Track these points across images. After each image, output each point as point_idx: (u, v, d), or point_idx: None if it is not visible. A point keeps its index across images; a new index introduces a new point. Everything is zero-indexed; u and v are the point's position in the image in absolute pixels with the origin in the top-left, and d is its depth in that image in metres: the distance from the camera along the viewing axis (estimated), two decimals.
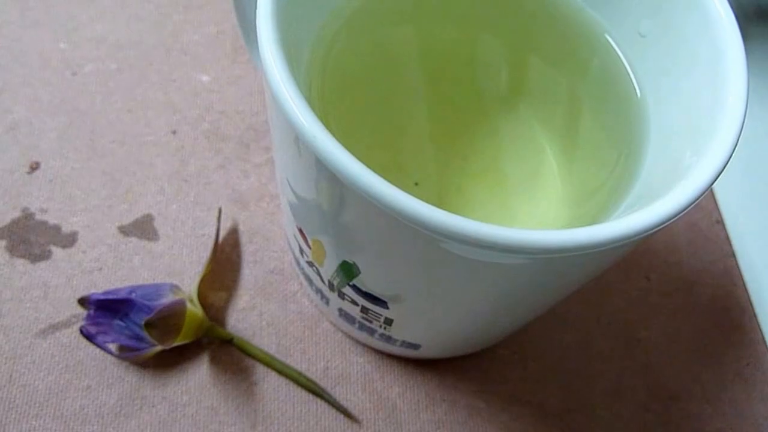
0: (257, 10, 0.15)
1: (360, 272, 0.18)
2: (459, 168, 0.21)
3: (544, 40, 0.22)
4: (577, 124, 0.21)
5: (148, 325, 0.22)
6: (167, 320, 0.22)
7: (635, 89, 0.20)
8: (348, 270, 0.18)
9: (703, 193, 0.14)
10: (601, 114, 0.21)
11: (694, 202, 0.14)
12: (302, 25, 0.17)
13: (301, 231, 0.19)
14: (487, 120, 0.22)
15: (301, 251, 0.21)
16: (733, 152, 0.15)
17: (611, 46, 0.20)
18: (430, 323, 0.21)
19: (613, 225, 0.14)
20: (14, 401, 0.23)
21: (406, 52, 0.22)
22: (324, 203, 0.16)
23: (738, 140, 0.15)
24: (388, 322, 0.20)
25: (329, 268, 0.19)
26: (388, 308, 0.19)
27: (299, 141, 0.14)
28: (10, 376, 0.23)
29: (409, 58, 0.22)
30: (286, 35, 0.15)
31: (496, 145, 0.22)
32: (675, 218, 0.14)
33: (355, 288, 0.19)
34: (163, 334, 0.22)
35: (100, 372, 0.24)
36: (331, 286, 0.20)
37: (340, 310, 0.22)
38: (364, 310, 0.20)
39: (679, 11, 0.18)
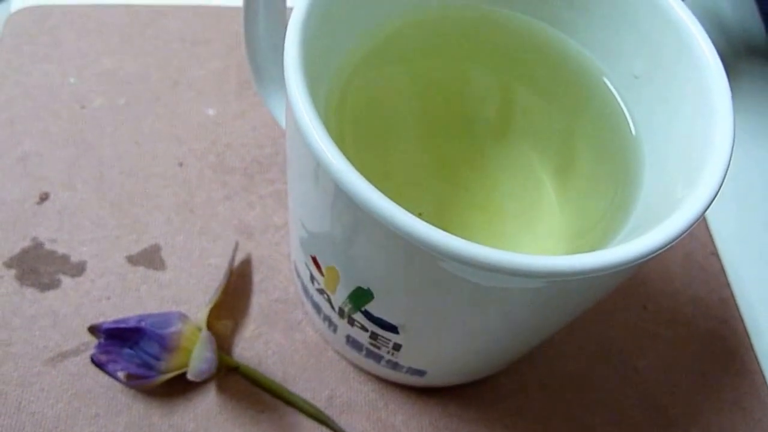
0: (285, 45, 0.16)
1: (373, 298, 0.18)
2: (461, 200, 0.22)
3: (544, 81, 0.23)
4: (575, 160, 0.22)
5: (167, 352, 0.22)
6: (180, 348, 0.23)
7: (630, 127, 0.20)
8: (361, 296, 0.18)
9: (694, 223, 0.15)
10: (598, 150, 0.21)
11: (686, 231, 0.15)
12: (324, 60, 0.18)
13: (314, 260, 0.20)
14: (490, 154, 0.23)
15: (312, 279, 0.21)
16: (721, 186, 0.16)
17: (607, 86, 0.21)
18: (438, 348, 0.21)
19: (610, 252, 0.15)
20: (23, 429, 0.23)
21: (416, 88, 0.23)
22: (342, 232, 0.17)
23: (725, 174, 0.16)
24: (397, 347, 0.21)
25: (341, 295, 0.20)
26: (398, 333, 0.20)
27: (320, 170, 0.15)
28: (19, 403, 0.24)
29: (418, 94, 0.23)
30: (310, 69, 0.16)
31: (498, 178, 0.22)
32: (668, 246, 0.15)
33: (366, 314, 0.19)
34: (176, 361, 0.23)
35: (108, 400, 0.24)
36: (341, 313, 0.21)
37: (348, 337, 0.23)
38: (373, 336, 0.21)
39: (668, 54, 0.19)
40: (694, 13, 0.19)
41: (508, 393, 0.26)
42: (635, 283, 0.29)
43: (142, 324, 0.23)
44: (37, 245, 0.27)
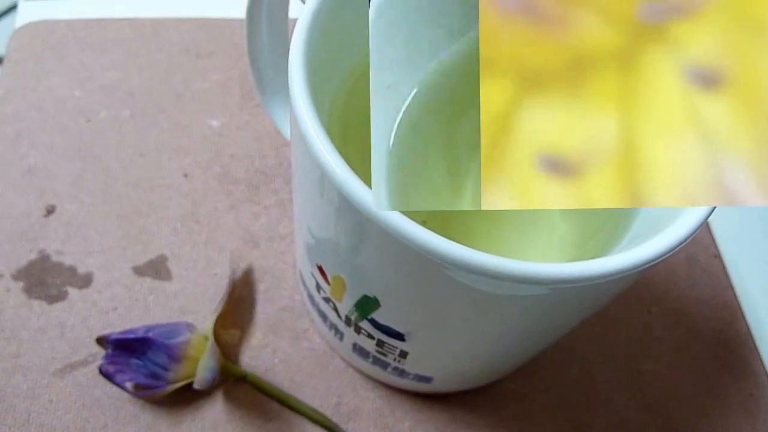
0: (289, 57, 0.16)
1: (380, 306, 0.18)
2: (464, 210, 0.22)
3: None
4: None
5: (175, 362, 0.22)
6: (188, 358, 0.23)
7: None
8: (368, 304, 0.19)
9: (696, 230, 0.15)
10: None
11: (688, 239, 0.15)
12: (327, 70, 0.18)
13: (320, 269, 0.20)
14: None
15: (318, 288, 0.21)
16: None
17: None
18: (444, 355, 0.21)
19: (614, 259, 0.15)
20: None
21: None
22: (348, 241, 0.17)
23: None
24: (403, 354, 0.21)
25: (347, 304, 0.20)
26: (404, 341, 0.20)
27: (324, 180, 0.15)
28: (29, 415, 0.24)
29: None
30: (314, 79, 0.16)
31: None
32: (670, 253, 0.15)
33: (372, 322, 0.20)
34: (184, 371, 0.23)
35: (117, 410, 0.24)
36: (347, 321, 0.21)
37: (355, 344, 0.23)
38: (379, 343, 0.21)
39: None
40: None
41: (514, 397, 0.26)
42: (639, 286, 0.29)
43: (150, 334, 0.23)
44: (44, 258, 0.27)
